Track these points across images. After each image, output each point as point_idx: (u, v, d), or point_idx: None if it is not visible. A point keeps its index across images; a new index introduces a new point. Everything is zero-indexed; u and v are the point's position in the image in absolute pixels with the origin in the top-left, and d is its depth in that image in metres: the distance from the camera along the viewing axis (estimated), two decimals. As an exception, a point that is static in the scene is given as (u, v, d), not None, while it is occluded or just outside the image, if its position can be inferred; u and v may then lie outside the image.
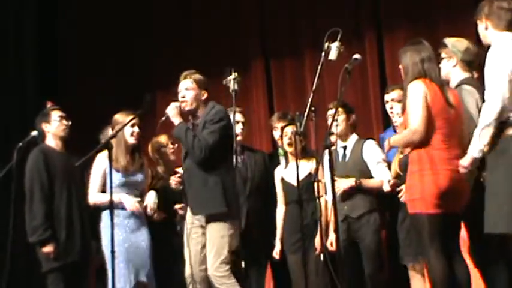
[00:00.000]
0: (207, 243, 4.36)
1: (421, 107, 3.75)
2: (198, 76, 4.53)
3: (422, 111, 3.75)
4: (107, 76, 7.50)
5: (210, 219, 4.35)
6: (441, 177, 3.72)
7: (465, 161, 3.68)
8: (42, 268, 4.72)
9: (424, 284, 4.46)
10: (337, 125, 4.73)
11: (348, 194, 4.76)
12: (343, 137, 4.90)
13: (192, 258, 4.40)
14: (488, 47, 3.75)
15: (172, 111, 4.44)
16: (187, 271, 4.42)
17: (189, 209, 4.48)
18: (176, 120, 4.44)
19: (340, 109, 4.83)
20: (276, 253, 5.06)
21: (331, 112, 4.80)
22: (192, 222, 4.45)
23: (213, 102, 4.57)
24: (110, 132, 4.96)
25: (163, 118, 4.50)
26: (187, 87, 4.50)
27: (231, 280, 4.30)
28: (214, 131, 4.35)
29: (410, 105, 3.80)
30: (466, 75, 4.11)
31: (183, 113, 4.50)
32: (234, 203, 4.41)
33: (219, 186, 4.33)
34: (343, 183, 4.72)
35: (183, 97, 4.49)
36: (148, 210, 4.83)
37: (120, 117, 4.77)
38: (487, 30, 3.80)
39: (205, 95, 4.53)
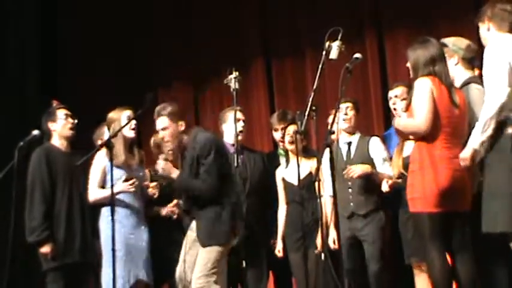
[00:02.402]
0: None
1: (427, 102, 3.75)
2: (169, 110, 4.50)
3: (428, 107, 3.75)
4: (107, 76, 7.50)
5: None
6: (441, 176, 3.72)
7: (465, 153, 3.68)
8: (42, 267, 4.73)
9: (428, 283, 4.45)
10: (346, 119, 4.81)
11: (358, 186, 4.77)
12: (351, 132, 4.91)
13: (187, 263, 4.43)
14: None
15: (165, 169, 4.55)
16: (178, 274, 4.45)
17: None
18: (173, 174, 4.55)
19: (351, 104, 4.89)
20: (278, 251, 5.07)
21: (345, 105, 4.84)
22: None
23: (196, 129, 4.65)
24: (104, 131, 4.98)
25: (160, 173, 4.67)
26: (163, 128, 4.50)
27: None
28: (209, 169, 4.36)
29: (416, 101, 3.80)
30: (469, 73, 4.12)
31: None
32: (238, 225, 4.46)
33: (218, 215, 4.37)
34: (359, 168, 4.70)
35: (163, 138, 4.54)
36: (150, 190, 4.88)
37: (114, 114, 4.81)
38: (489, 31, 3.83)
39: (182, 126, 4.53)
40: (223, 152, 4.56)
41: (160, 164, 4.56)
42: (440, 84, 3.81)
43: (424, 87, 3.78)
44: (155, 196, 4.94)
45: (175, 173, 4.55)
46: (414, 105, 3.81)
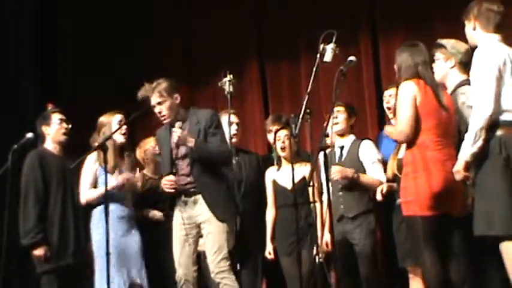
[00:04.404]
0: (207, 241, 4.41)
1: (408, 107, 3.76)
2: (162, 86, 4.50)
3: (409, 112, 3.76)
4: (107, 76, 7.49)
5: (213, 219, 4.41)
6: (434, 178, 3.71)
7: (458, 166, 3.64)
8: (36, 270, 4.74)
9: (423, 286, 4.43)
10: (337, 123, 4.79)
11: (345, 188, 4.75)
12: (342, 135, 4.90)
13: (185, 259, 4.43)
14: (475, 47, 3.74)
15: (182, 137, 4.38)
16: (180, 272, 4.44)
17: (184, 210, 4.48)
18: (191, 142, 4.41)
19: (342, 108, 4.88)
20: (268, 253, 5.06)
21: (336, 109, 4.82)
22: (187, 223, 4.46)
23: (194, 108, 4.68)
24: (97, 135, 4.99)
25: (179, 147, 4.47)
26: (159, 102, 4.49)
27: (231, 275, 4.39)
28: (223, 137, 4.54)
29: (398, 105, 3.83)
30: (464, 77, 4.10)
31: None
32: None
33: (228, 191, 4.51)
34: (338, 172, 4.67)
35: (160, 113, 4.51)
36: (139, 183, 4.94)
37: (105, 119, 4.85)
38: (474, 30, 3.80)
39: (178, 99, 4.54)
40: None
41: (177, 132, 4.40)
42: (425, 86, 3.81)
43: (407, 93, 3.79)
44: (138, 184, 4.98)
45: (191, 142, 4.43)
46: (397, 112, 3.84)
